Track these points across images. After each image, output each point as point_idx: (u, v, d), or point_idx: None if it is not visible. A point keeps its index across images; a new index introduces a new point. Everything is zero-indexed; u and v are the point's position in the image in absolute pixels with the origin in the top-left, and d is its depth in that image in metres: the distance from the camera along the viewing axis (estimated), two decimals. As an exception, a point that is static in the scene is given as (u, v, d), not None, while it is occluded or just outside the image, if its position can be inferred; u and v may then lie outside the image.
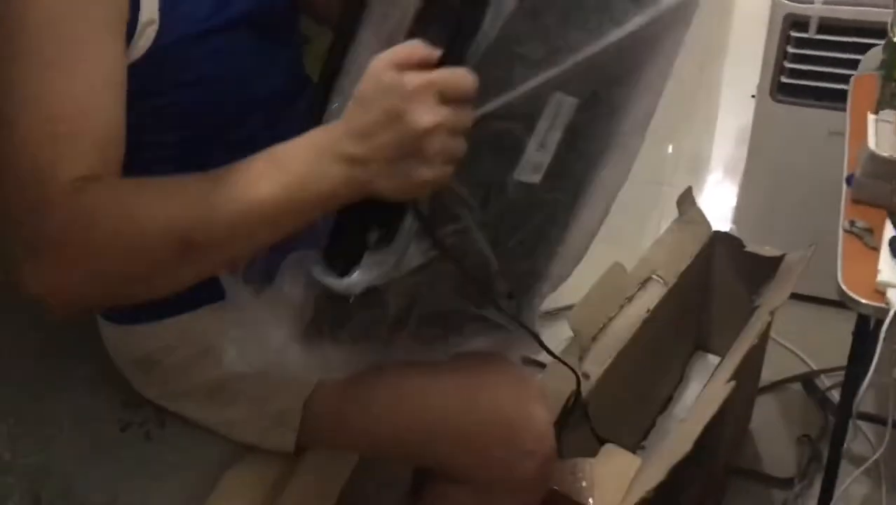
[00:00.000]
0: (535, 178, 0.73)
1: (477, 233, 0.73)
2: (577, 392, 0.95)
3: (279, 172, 0.65)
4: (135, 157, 0.71)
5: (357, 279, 0.67)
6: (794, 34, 1.52)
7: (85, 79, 0.69)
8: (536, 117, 0.69)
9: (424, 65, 0.62)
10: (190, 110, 0.78)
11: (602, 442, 1.01)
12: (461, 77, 0.61)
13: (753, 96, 1.70)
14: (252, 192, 0.65)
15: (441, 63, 0.62)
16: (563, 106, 0.70)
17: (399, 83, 0.61)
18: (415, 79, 0.61)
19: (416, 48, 0.62)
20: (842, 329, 1.12)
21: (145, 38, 0.73)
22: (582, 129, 0.74)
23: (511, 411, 0.86)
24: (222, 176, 0.66)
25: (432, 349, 0.82)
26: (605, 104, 0.77)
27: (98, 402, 0.96)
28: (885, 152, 1.00)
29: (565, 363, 0.96)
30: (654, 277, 1.32)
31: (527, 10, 0.63)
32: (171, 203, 0.66)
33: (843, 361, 1.13)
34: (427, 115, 0.61)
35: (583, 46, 0.67)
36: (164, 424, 0.93)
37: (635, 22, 0.69)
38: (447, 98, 0.61)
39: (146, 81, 0.73)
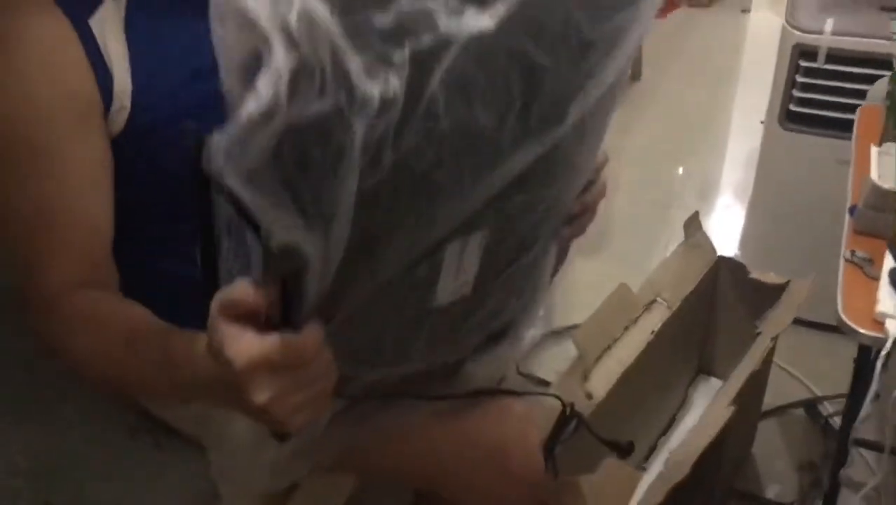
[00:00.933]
0: (465, 291, 0.70)
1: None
2: (567, 414, 0.96)
3: (175, 372, 0.68)
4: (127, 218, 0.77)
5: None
6: (803, 63, 1.54)
7: (62, 186, 0.75)
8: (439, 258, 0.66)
9: (256, 311, 0.57)
10: (169, 175, 0.78)
11: (613, 447, 1.01)
12: (291, 347, 0.57)
13: (763, 122, 1.72)
14: (156, 373, 0.70)
15: (284, 298, 0.58)
16: (467, 242, 0.67)
17: (229, 357, 0.56)
18: (242, 356, 0.56)
19: (246, 293, 0.57)
20: (845, 356, 1.14)
21: (118, 121, 0.78)
22: (508, 233, 0.71)
23: (496, 437, 0.86)
24: (144, 344, 0.71)
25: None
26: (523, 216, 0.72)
27: (109, 408, 0.98)
28: (887, 184, 1.02)
29: (547, 393, 0.97)
30: (658, 299, 1.33)
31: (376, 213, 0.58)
32: (103, 347, 0.73)
33: (846, 388, 1.15)
34: (260, 393, 0.57)
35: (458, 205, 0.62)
36: (173, 434, 0.95)
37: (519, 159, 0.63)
38: (283, 366, 0.57)
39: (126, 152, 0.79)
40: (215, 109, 0.56)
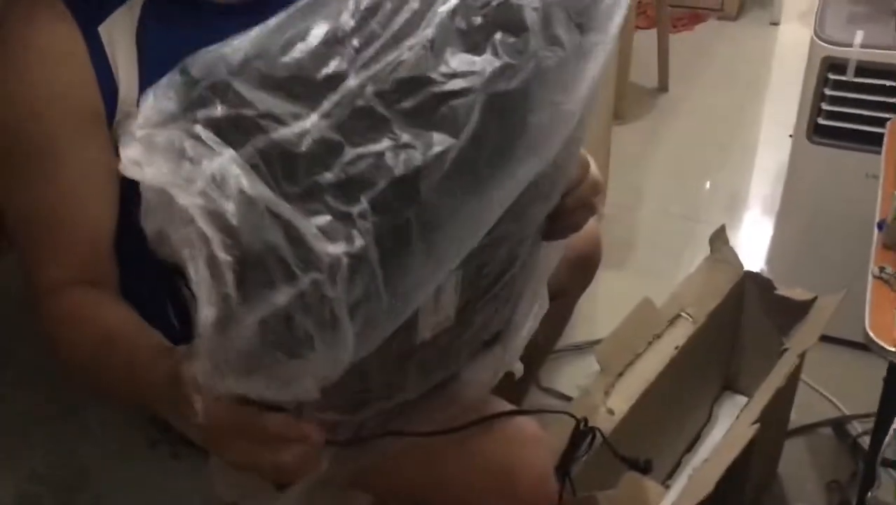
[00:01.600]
0: (448, 323, 0.70)
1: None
2: (581, 430, 0.94)
3: (137, 382, 0.69)
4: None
5: None
6: (832, 76, 1.52)
7: (63, 190, 0.77)
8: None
9: None
10: None
11: (630, 464, 1.00)
12: (263, 422, 0.58)
13: (791, 136, 1.70)
14: (122, 377, 0.72)
15: None
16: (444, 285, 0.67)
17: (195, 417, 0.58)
18: (205, 417, 0.58)
19: None
20: (875, 374, 1.11)
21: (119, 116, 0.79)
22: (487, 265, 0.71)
23: (504, 459, 0.85)
24: (116, 346, 0.72)
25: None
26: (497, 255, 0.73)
27: (129, 418, 0.98)
28: (917, 199, 1.00)
29: (558, 411, 0.96)
30: (683, 314, 1.32)
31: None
32: (82, 345, 0.74)
33: (875, 407, 1.12)
34: (227, 454, 0.60)
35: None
36: (190, 444, 0.95)
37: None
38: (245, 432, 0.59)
39: None
40: None
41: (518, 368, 0.89)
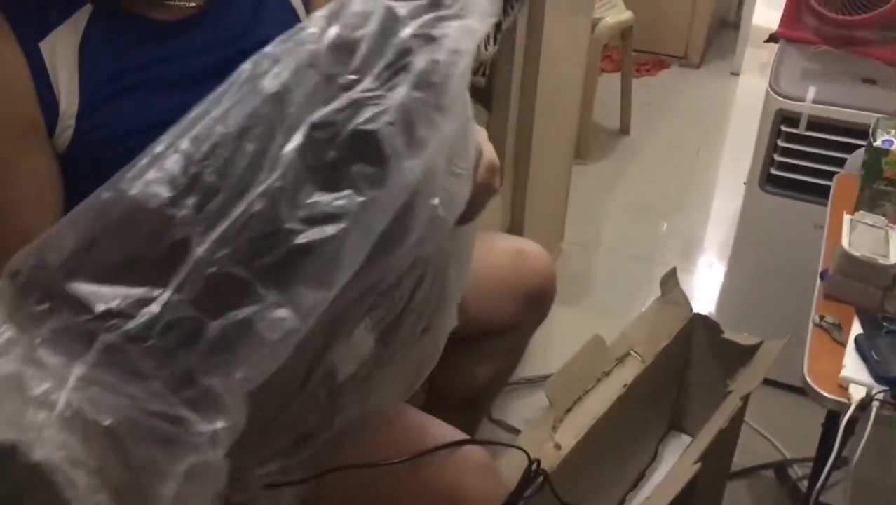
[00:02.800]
0: (368, 355, 0.70)
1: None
2: (533, 471, 0.96)
3: None
4: None
5: None
6: (785, 129, 1.57)
7: (14, 201, 0.80)
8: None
9: None
10: None
11: None
12: None
13: (745, 184, 1.75)
14: None
15: None
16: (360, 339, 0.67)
17: None
18: None
19: None
20: (815, 419, 1.14)
21: (64, 139, 0.82)
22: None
23: (454, 486, 0.87)
24: None
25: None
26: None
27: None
28: (857, 252, 1.04)
29: (513, 446, 0.97)
30: (632, 352, 1.34)
31: None
32: None
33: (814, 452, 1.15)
34: None
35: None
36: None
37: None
38: None
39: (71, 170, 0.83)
40: (165, 128, 0.58)
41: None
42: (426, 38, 0.58)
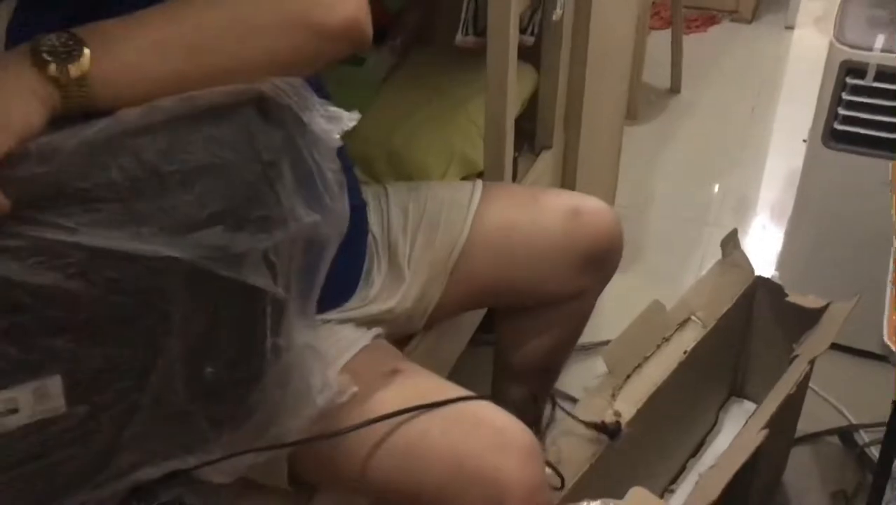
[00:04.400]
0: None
1: None
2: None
3: None
4: None
5: None
6: (851, 81, 1.50)
7: None
8: None
9: None
10: None
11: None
12: None
13: (805, 141, 1.67)
14: None
15: None
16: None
17: None
18: None
19: None
20: (883, 383, 1.09)
21: None
22: None
23: (494, 472, 0.82)
24: None
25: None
26: None
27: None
28: (936, 207, 0.98)
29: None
30: (693, 318, 1.30)
31: None
32: None
33: (885, 417, 1.10)
34: None
35: None
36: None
37: None
38: None
39: None
40: None
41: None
42: None
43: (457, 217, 1.11)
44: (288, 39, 0.71)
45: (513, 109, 1.32)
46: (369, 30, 0.75)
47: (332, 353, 0.92)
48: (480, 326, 1.38)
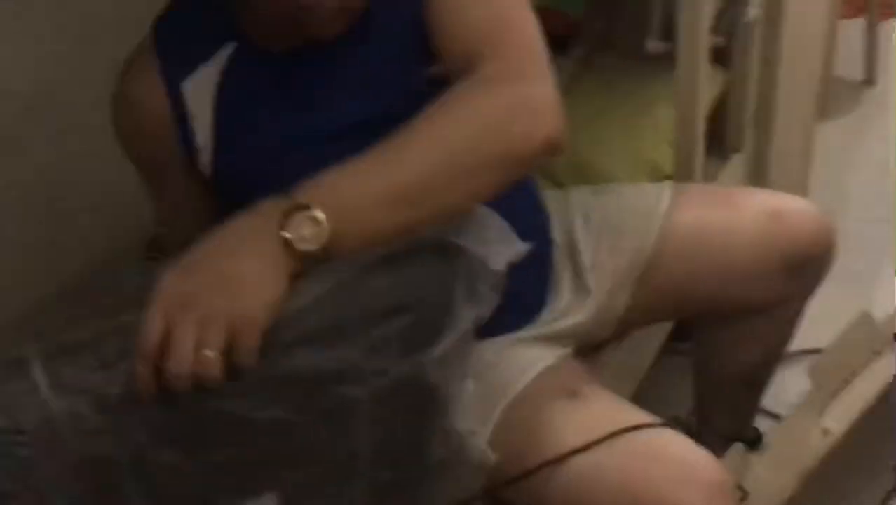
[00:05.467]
0: None
1: None
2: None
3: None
4: None
5: None
6: None
7: (166, 204, 0.99)
8: None
9: None
10: None
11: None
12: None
13: None
14: None
15: None
16: None
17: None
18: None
19: None
20: None
21: (206, 166, 0.92)
22: None
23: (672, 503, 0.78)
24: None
25: None
26: None
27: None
28: None
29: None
30: (905, 331, 1.21)
31: None
32: None
33: None
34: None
35: None
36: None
37: None
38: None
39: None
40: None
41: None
42: None
43: (644, 221, 1.06)
44: (492, 177, 0.74)
45: (703, 113, 1.28)
46: (565, 135, 0.77)
47: (512, 375, 0.92)
48: (674, 334, 1.34)
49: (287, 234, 0.65)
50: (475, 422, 0.82)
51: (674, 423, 0.87)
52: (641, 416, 0.86)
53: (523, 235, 0.75)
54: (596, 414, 0.86)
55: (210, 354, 0.61)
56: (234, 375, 0.62)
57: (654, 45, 1.29)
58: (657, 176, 1.37)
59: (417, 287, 0.68)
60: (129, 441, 0.62)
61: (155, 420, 0.62)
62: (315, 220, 0.66)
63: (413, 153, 0.71)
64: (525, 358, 0.95)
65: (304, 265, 0.67)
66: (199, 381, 0.61)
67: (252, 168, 0.89)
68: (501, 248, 0.72)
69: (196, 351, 0.61)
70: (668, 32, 1.27)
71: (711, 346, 1.17)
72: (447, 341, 0.67)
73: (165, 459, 0.62)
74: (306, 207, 0.66)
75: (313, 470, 0.67)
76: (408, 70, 0.88)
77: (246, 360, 0.63)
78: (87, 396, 0.61)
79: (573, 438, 0.82)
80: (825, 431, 1.05)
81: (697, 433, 1.04)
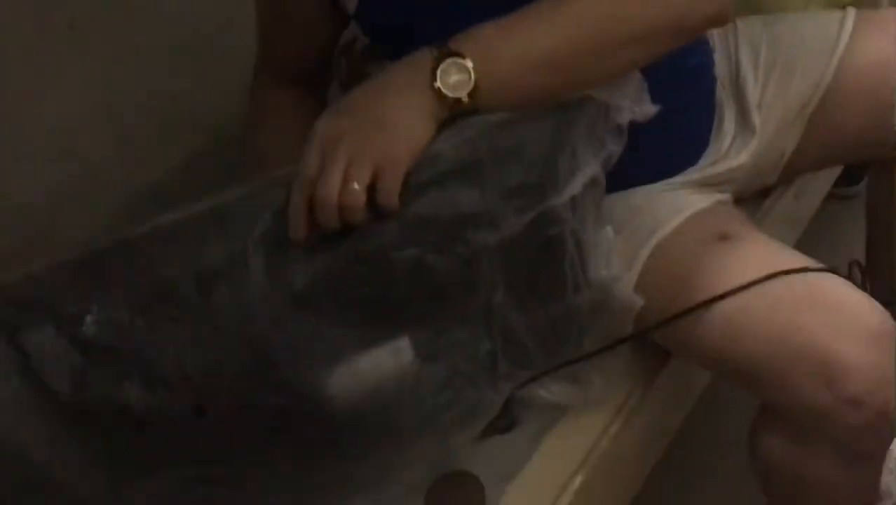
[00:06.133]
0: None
1: None
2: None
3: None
4: None
5: None
6: None
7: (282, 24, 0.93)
8: None
9: None
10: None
11: None
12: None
13: None
14: None
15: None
16: None
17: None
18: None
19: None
20: None
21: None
22: None
23: (827, 352, 0.73)
24: None
25: None
26: None
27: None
28: None
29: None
30: None
31: None
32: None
33: None
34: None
35: None
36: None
37: None
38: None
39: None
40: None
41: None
42: None
43: (819, 55, 0.98)
44: (656, 47, 0.74)
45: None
46: (734, 7, 0.76)
47: (662, 217, 0.89)
48: (841, 178, 1.26)
49: (437, 84, 0.68)
50: (620, 266, 0.80)
51: (837, 271, 0.80)
52: (802, 259, 0.81)
53: (685, 76, 0.75)
54: (751, 257, 0.82)
55: (357, 186, 0.64)
56: (376, 215, 0.65)
57: None
58: (837, 2, 1.23)
59: (541, 135, 0.69)
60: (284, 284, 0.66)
61: (300, 259, 0.65)
62: (464, 69, 0.68)
63: (569, 17, 0.71)
64: (677, 201, 0.92)
65: (453, 114, 0.69)
66: (343, 214, 0.65)
67: (402, 20, 0.85)
68: (629, 103, 0.73)
69: (344, 184, 0.64)
70: None
71: (888, 191, 1.09)
72: (574, 185, 0.68)
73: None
74: (457, 55, 0.68)
75: (448, 315, 0.69)
76: None
77: (386, 200, 0.65)
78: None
79: (724, 282, 0.79)
80: None
81: (864, 285, 0.97)
